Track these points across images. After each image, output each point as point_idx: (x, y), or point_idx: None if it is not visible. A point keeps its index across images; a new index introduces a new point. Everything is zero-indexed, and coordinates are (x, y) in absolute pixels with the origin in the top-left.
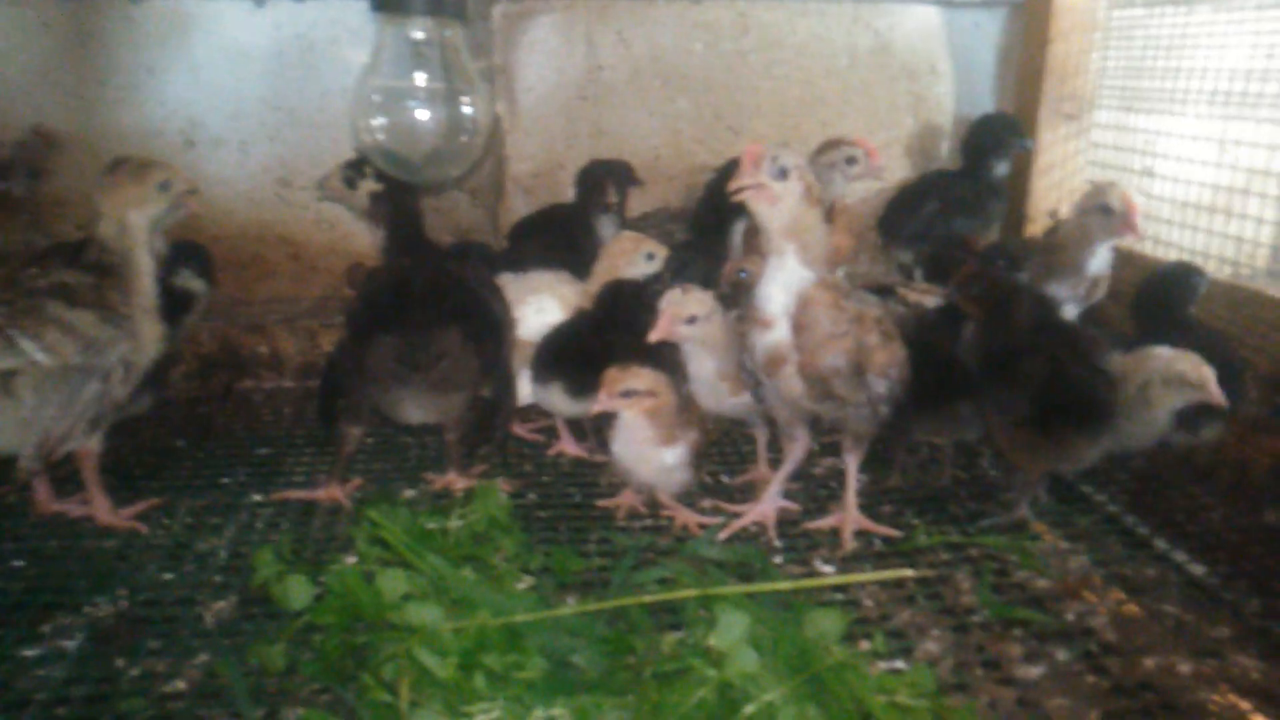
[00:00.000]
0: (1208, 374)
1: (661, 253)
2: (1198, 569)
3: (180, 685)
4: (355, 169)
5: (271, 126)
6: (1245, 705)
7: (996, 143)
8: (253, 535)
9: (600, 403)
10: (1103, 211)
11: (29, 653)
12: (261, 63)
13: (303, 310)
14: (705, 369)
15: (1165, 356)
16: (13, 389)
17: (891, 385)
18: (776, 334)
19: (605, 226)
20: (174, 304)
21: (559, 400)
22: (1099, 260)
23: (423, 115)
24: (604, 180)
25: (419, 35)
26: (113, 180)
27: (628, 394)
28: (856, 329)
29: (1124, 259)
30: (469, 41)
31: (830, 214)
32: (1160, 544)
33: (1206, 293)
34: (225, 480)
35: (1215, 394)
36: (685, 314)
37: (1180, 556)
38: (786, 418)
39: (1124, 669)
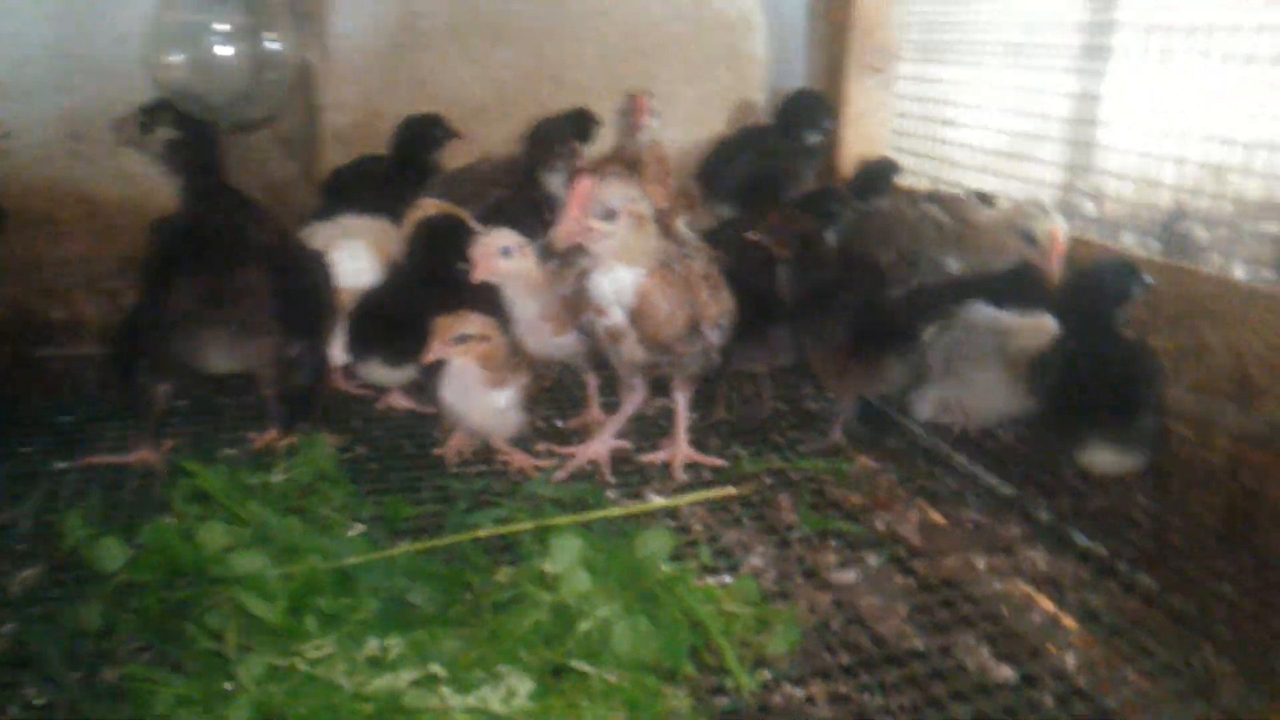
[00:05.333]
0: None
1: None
2: (993, 480)
3: None
4: (152, 114)
5: (60, 75)
6: (1031, 590)
7: (812, 118)
8: (58, 502)
9: (434, 351)
10: (1026, 239)
11: None
12: (45, 5)
13: (102, 272)
14: (527, 310)
15: None
16: None
17: (723, 332)
18: (613, 319)
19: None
20: None
21: (379, 372)
22: None
23: (224, 51)
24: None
25: None
26: None
27: (462, 339)
28: (688, 293)
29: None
30: None
31: (636, 160)
32: (960, 460)
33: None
34: (24, 450)
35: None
36: (498, 246)
37: (977, 470)
38: (627, 372)
39: (928, 568)
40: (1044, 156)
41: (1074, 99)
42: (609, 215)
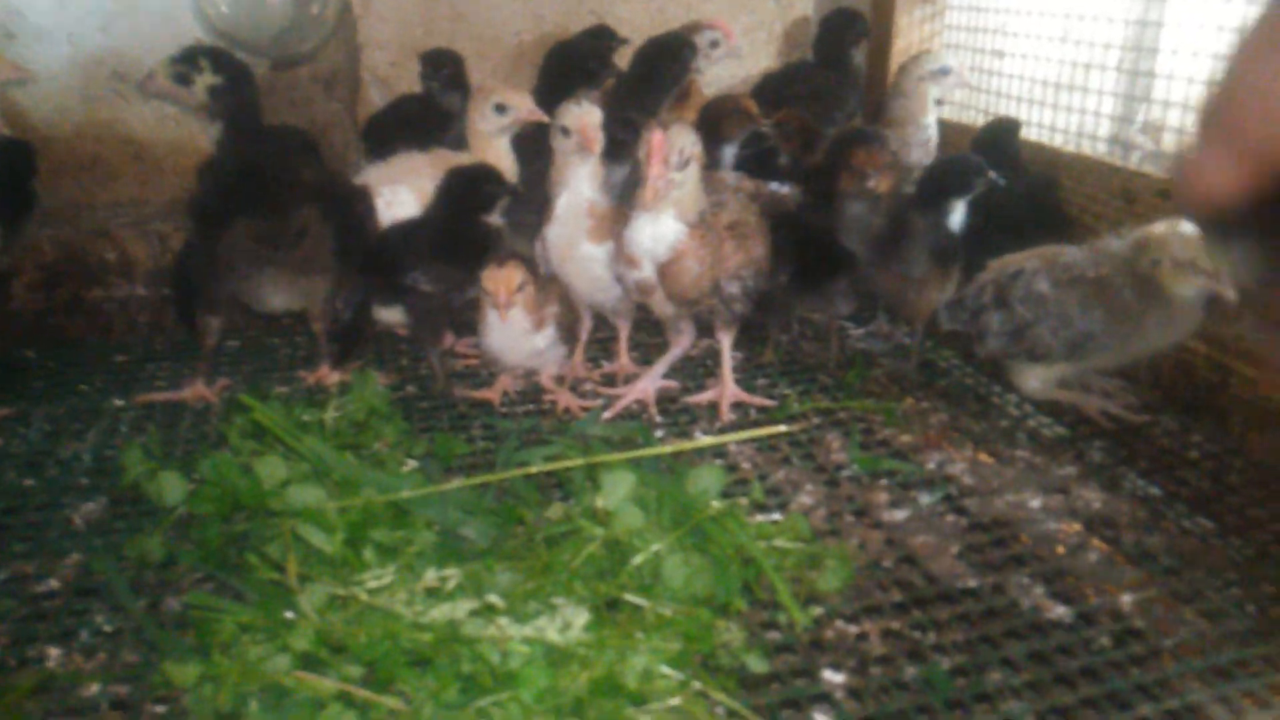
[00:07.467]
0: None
1: (516, 101)
2: (1045, 419)
3: (53, 584)
4: (188, 63)
5: (102, 15)
6: (1085, 530)
7: (852, 34)
8: (117, 438)
9: (506, 307)
10: (939, 74)
11: None
12: None
13: (151, 213)
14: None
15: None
16: None
17: (744, 284)
18: (644, 272)
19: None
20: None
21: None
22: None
23: None
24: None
25: None
26: None
27: (522, 287)
28: (718, 249)
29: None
30: None
31: (685, 93)
32: (1009, 401)
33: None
34: (83, 387)
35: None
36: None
37: (1027, 410)
38: (670, 320)
39: (980, 508)
40: (1101, 88)
41: (1133, 26)
42: (684, 163)
